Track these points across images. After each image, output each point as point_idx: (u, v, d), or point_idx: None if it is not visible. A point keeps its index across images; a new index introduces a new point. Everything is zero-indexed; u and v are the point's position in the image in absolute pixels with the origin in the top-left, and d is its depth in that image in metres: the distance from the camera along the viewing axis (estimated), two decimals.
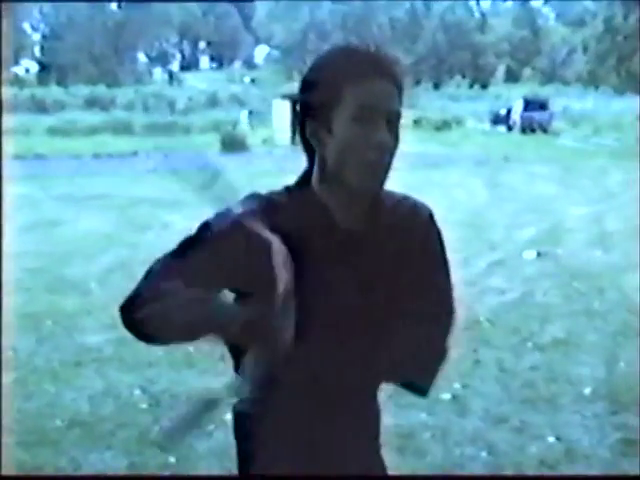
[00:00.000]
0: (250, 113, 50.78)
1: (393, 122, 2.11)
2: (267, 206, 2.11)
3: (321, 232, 2.11)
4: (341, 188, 2.10)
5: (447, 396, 6.10)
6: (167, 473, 5.02)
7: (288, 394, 2.16)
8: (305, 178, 2.17)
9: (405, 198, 2.26)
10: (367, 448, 2.32)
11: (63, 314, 8.74)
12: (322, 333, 2.11)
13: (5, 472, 4.85)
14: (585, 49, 55.36)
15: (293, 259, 1.96)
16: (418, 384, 2.33)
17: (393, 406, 5.91)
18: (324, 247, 2.11)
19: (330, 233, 2.12)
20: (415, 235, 2.23)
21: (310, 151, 2.16)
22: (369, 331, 2.17)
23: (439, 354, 2.33)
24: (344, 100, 2.06)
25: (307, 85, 2.16)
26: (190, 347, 7.46)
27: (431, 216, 2.30)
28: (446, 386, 6.28)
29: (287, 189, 2.18)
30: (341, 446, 2.24)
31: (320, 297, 2.09)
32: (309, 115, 2.13)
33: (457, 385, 6.34)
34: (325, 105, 2.09)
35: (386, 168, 2.09)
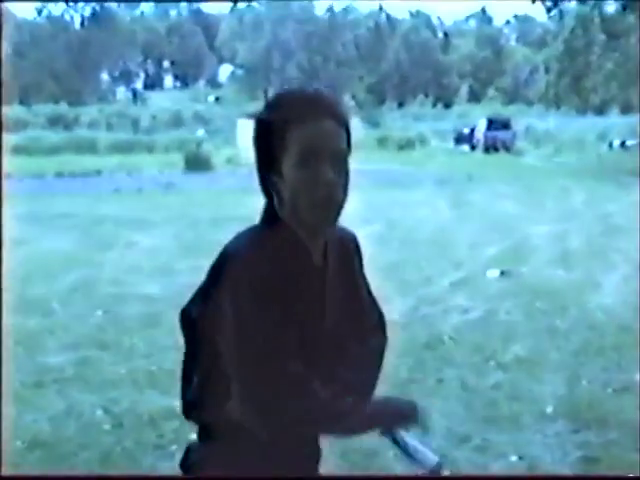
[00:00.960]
0: (205, 132, 50.88)
1: (339, 160, 2.21)
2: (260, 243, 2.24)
3: (302, 269, 2.27)
4: (300, 228, 2.24)
5: None
6: None
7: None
8: (270, 214, 2.28)
9: (336, 228, 2.35)
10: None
11: (25, 334, 8.67)
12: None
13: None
14: (547, 69, 55.82)
15: (282, 293, 2.17)
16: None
17: None
18: (305, 282, 2.28)
19: (307, 269, 2.28)
20: (350, 260, 2.43)
21: (268, 193, 2.28)
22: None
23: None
24: (289, 144, 2.18)
25: (256, 132, 2.26)
26: (152, 367, 7.44)
27: (356, 240, 2.48)
28: None
29: (265, 224, 2.30)
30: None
31: (302, 329, 2.24)
32: (261, 161, 2.25)
33: (420, 404, 6.34)
34: (273, 151, 2.21)
35: (337, 204, 2.22)
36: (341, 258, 2.37)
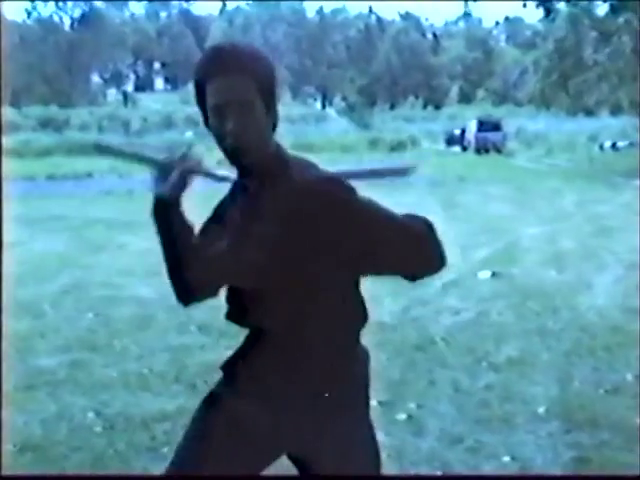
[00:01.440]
0: (195, 134, 50.84)
1: (245, 110, 2.46)
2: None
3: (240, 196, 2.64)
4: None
5: (402, 416, 6.11)
6: None
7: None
8: None
9: (316, 170, 2.66)
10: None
11: (16, 336, 8.64)
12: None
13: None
14: (536, 70, 55.93)
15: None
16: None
17: None
18: (242, 206, 2.61)
19: (244, 196, 2.62)
20: (316, 203, 2.54)
21: None
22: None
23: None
24: (207, 99, 2.51)
25: (195, 89, 2.57)
26: (144, 369, 7.43)
27: (339, 189, 2.59)
28: (401, 406, 6.30)
29: None
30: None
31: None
32: (203, 114, 2.58)
33: (412, 405, 6.35)
34: (202, 105, 2.55)
35: (243, 150, 2.50)
36: (303, 197, 2.53)
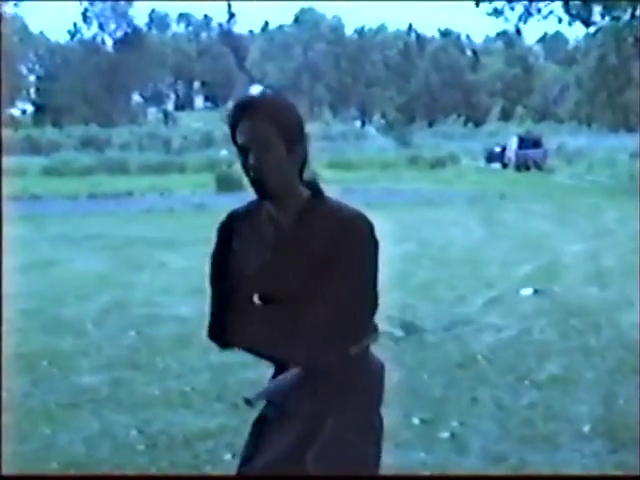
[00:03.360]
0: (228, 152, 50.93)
1: (265, 149, 2.90)
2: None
3: (265, 225, 3.04)
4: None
5: (445, 435, 6.07)
6: None
7: None
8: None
9: (345, 208, 2.99)
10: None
11: (59, 355, 8.70)
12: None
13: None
14: (577, 87, 55.68)
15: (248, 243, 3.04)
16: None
17: (392, 445, 5.87)
18: (266, 236, 3.02)
19: (270, 225, 3.03)
20: (339, 239, 2.91)
21: None
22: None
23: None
24: (237, 138, 2.95)
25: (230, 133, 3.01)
26: (186, 387, 7.44)
27: (365, 229, 2.95)
28: (444, 424, 6.26)
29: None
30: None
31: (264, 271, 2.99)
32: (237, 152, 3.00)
33: (455, 423, 6.30)
34: (235, 143, 2.98)
35: (264, 183, 2.93)
36: (327, 232, 2.94)
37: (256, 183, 2.94)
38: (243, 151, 2.93)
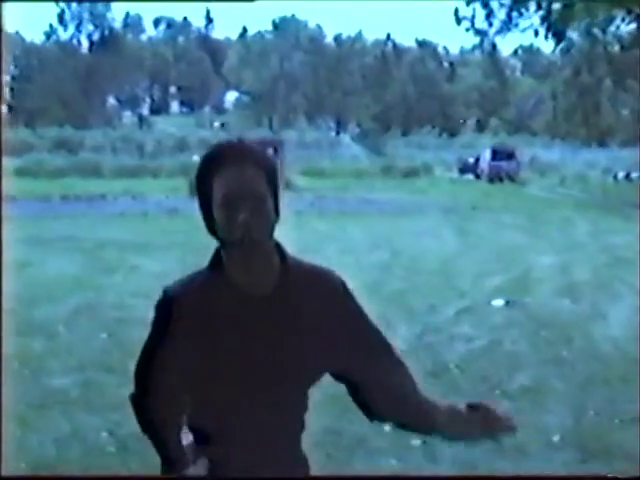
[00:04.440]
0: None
1: (257, 202, 2.41)
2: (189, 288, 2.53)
3: (232, 303, 2.47)
4: (232, 264, 2.48)
5: (417, 442, 6.08)
6: None
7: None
8: (217, 256, 2.54)
9: (313, 268, 2.58)
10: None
11: (30, 356, 8.66)
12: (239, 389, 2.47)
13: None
14: (552, 100, 56.04)
15: (212, 329, 2.45)
16: None
17: (363, 452, 5.89)
18: (235, 314, 2.47)
19: (239, 302, 2.47)
20: (323, 298, 2.54)
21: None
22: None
23: None
24: (215, 190, 2.44)
25: (195, 182, 2.54)
26: None
27: (341, 284, 2.59)
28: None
29: (208, 268, 2.55)
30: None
31: (238, 355, 2.45)
32: (201, 206, 2.51)
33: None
34: (206, 197, 2.47)
35: (254, 243, 2.41)
36: (308, 295, 2.52)
37: (244, 244, 2.42)
38: (227, 205, 2.40)
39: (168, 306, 2.49)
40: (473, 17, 29.77)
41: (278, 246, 2.53)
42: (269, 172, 2.47)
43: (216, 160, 2.47)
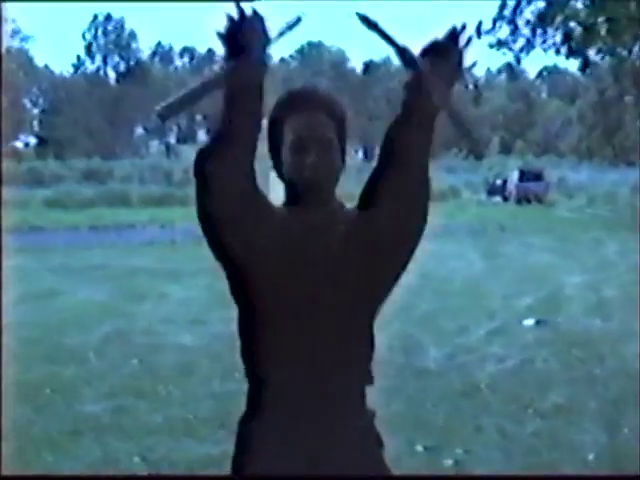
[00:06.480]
0: None
1: (325, 146, 2.55)
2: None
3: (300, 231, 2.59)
4: (300, 204, 2.59)
5: (449, 462, 6.05)
6: None
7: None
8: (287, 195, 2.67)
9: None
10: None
11: (61, 383, 8.69)
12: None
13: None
14: (579, 121, 55.91)
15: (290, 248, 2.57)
16: None
17: (395, 472, 5.86)
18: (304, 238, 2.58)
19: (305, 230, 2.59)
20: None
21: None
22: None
23: None
24: (285, 134, 2.57)
25: (267, 128, 2.64)
26: (188, 415, 7.43)
27: None
28: (448, 452, 6.24)
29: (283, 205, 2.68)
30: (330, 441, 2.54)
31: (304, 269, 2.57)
32: (272, 151, 2.65)
33: (459, 451, 6.29)
34: (277, 141, 2.61)
35: (321, 184, 2.56)
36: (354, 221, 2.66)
37: (311, 186, 2.55)
38: (296, 148, 2.53)
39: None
40: (494, 29, 29.70)
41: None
42: (339, 121, 2.60)
43: (288, 105, 2.60)
